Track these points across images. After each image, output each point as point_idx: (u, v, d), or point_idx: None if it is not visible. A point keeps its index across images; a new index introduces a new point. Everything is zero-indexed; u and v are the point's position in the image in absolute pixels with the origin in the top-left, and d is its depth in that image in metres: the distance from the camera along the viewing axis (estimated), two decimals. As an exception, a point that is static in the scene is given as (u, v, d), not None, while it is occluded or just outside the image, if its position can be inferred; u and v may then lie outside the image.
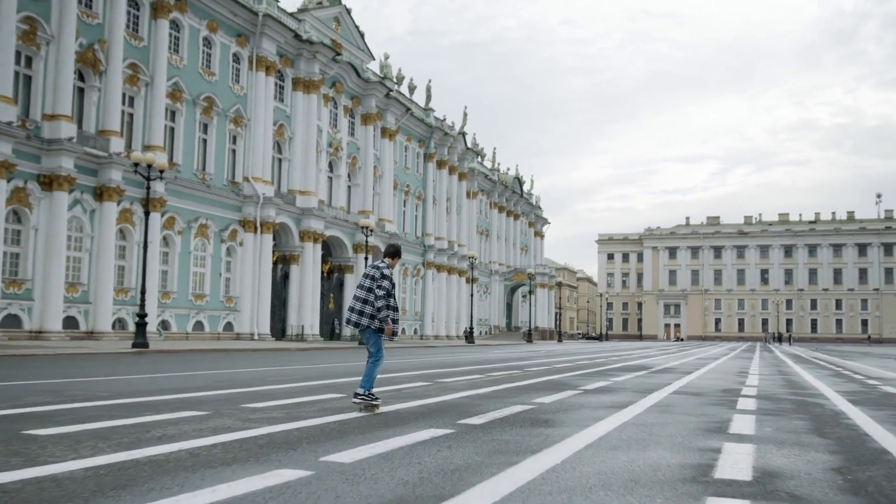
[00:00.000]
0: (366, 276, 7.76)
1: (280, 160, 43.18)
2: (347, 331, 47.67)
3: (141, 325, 23.74)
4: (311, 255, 43.73)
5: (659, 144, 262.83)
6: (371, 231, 39.71)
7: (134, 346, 23.25)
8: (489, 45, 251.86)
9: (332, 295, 47.99)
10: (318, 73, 44.51)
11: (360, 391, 7.61)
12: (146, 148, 31.77)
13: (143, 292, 24.31)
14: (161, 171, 25.84)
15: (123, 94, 32.43)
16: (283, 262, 42.94)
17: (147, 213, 25.81)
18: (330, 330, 47.02)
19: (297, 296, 42.91)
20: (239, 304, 38.60)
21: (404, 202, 59.41)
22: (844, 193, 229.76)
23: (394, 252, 8.04)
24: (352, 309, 7.73)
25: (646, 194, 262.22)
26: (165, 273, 34.72)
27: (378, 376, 8.14)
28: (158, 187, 32.14)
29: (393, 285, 7.64)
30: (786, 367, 21.17)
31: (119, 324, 32.00)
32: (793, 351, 43.65)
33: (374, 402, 7.62)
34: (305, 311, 42.96)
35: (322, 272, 45.92)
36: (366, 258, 39.78)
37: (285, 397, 8.77)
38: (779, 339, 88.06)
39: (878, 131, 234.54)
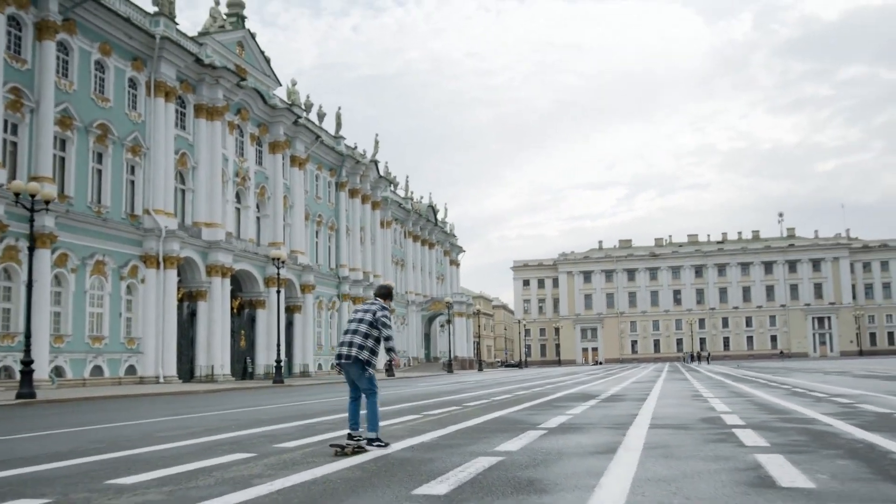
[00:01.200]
0: (364, 311, 7.62)
1: (183, 191, 40.74)
2: (260, 369, 45.31)
3: (26, 373, 21.24)
4: (220, 291, 41.29)
5: (567, 172, 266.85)
6: (283, 263, 37.68)
7: (18, 396, 20.73)
8: (396, 78, 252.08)
9: (243, 332, 45.52)
10: (221, 99, 42.41)
11: (372, 435, 7.42)
12: (32, 179, 29.00)
13: (27, 336, 21.81)
14: (47, 203, 23.56)
15: (5, 121, 29.81)
16: (189, 299, 40.36)
17: (32, 249, 23.21)
18: (242, 369, 44.50)
19: (206, 334, 40.35)
20: (142, 345, 35.88)
21: (317, 233, 57.39)
22: (744, 214, 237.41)
23: (386, 293, 7.89)
24: (350, 344, 7.40)
25: (556, 221, 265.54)
26: (58, 314, 31.91)
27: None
28: (47, 221, 29.52)
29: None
30: (733, 387, 20.16)
31: (5, 372, 29.06)
32: (718, 369, 43.25)
33: (362, 444, 7.26)
34: (215, 350, 40.42)
35: (232, 308, 43.50)
36: (278, 292, 37.75)
37: (174, 463, 6.70)
38: (697, 357, 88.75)
39: (773, 154, 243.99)
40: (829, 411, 10.86)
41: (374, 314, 7.51)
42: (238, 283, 45.86)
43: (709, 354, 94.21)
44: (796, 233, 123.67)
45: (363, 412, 7.61)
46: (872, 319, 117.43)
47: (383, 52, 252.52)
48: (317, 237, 57.38)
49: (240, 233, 45.56)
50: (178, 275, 38.77)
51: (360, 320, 7.54)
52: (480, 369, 79.61)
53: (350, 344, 7.41)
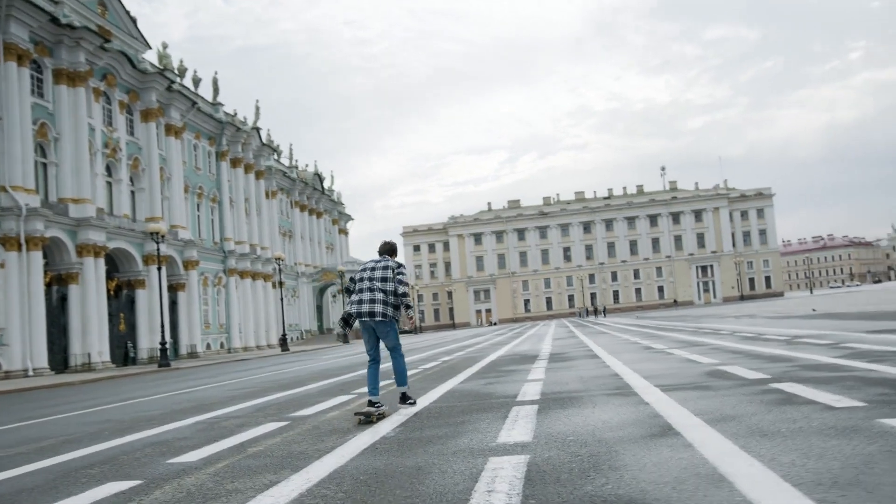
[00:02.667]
0: (381, 268, 7.47)
1: (45, 165, 37.06)
2: (144, 354, 42.29)
3: None
4: (93, 272, 37.98)
5: (449, 138, 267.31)
6: (162, 238, 34.86)
7: None
8: (271, 50, 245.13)
9: (122, 315, 42.29)
10: (84, 63, 38.72)
11: (403, 389, 7.64)
12: None
13: None
14: None
15: None
16: (58, 283, 36.95)
17: None
18: (123, 355, 41.38)
19: (80, 320, 37.04)
20: (6, 336, 32.45)
21: (198, 206, 54.12)
22: (621, 173, 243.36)
23: (392, 249, 7.85)
24: (375, 301, 7.25)
25: (440, 187, 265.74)
26: None
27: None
28: None
29: None
30: (672, 337, 18.75)
31: None
32: (622, 322, 42.81)
33: (379, 410, 7.15)
34: (91, 336, 37.19)
35: (108, 290, 40.24)
36: (159, 269, 34.90)
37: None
38: (594, 312, 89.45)
39: (646, 113, 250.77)
40: (835, 354, 9.52)
41: (394, 272, 7.46)
42: (114, 262, 42.55)
43: (605, 308, 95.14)
44: (678, 185, 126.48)
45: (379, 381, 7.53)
46: (751, 265, 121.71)
47: (257, 23, 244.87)
48: (198, 210, 54.14)
49: (113, 208, 42.14)
50: (45, 257, 35.35)
51: (383, 279, 7.40)
52: (376, 338, 77.81)
53: (376, 301, 7.26)
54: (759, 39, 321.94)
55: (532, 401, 7.57)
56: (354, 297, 7.41)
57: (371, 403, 7.17)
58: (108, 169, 42.27)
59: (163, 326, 34.13)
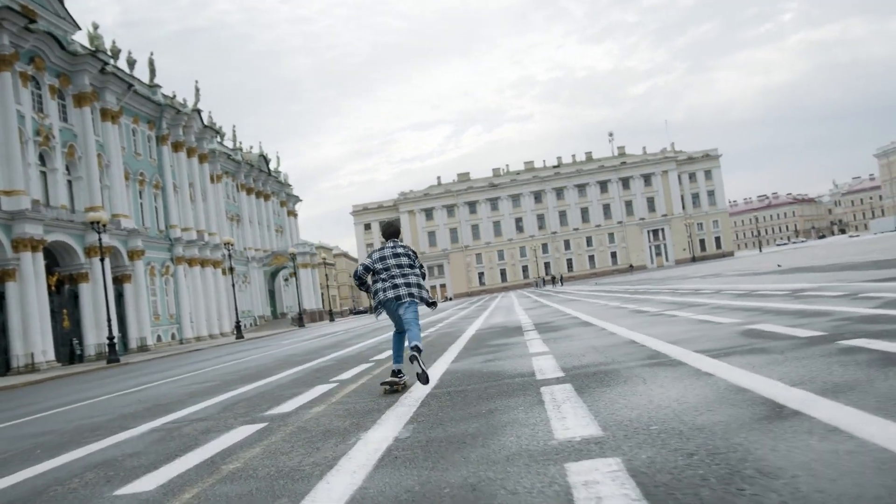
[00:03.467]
0: (403, 253, 7.48)
1: (-28, 156, 34.73)
2: (91, 350, 40.26)
3: None
4: (32, 268, 35.79)
5: (394, 115, 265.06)
6: (104, 228, 32.93)
7: None
8: (208, 32, 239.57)
9: (65, 311, 40.14)
10: (8, 45, 36.33)
11: (415, 343, 7.10)
12: None
13: None
14: None
15: None
16: (-5, 280, 34.80)
17: None
18: (69, 352, 39.30)
19: (20, 318, 34.88)
20: (-59, 339, 30.40)
21: (140, 193, 51.82)
22: (567, 142, 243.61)
23: (396, 231, 7.76)
24: (408, 284, 7.32)
25: (387, 164, 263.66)
26: None
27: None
28: None
29: None
30: (652, 299, 17.69)
31: None
32: (582, 289, 41.94)
33: (401, 380, 7.25)
34: (33, 335, 35.08)
35: (49, 286, 38.10)
36: (102, 260, 32.99)
37: None
38: (553, 280, 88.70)
39: (587, 82, 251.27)
40: (870, 305, 8.43)
41: (412, 256, 7.51)
42: (53, 256, 40.34)
43: (562, 277, 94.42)
44: (626, 151, 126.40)
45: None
46: (701, 227, 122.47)
47: (192, 5, 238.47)
48: (141, 198, 51.86)
49: (49, 199, 39.84)
50: (-22, 253, 33.19)
51: (410, 265, 7.44)
52: (332, 320, 76.34)
53: (411, 285, 7.34)
54: (695, 4, 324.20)
55: (558, 378, 6.35)
56: (387, 283, 7.31)
57: (394, 373, 7.30)
58: (42, 158, 39.92)
59: (109, 320, 32.26)
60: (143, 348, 45.90)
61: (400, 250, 7.47)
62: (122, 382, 16.80)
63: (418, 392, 6.78)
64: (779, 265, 32.30)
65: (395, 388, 7.16)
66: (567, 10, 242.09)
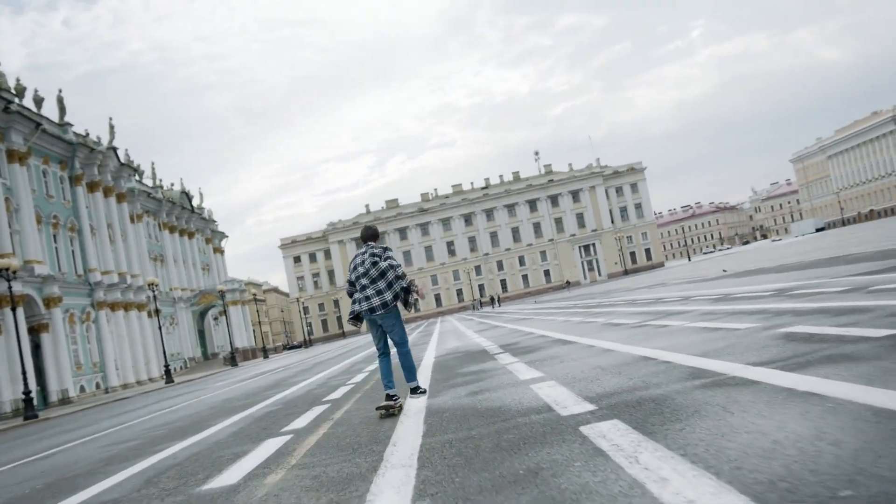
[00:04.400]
0: (362, 260, 7.37)
1: None
2: (7, 407, 37.28)
3: None
4: (-64, 322, 32.92)
5: (316, 147, 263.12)
6: (14, 274, 30.37)
7: None
8: (120, 73, 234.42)
9: (-23, 366, 37.08)
10: None
11: (413, 384, 7.54)
12: None
13: None
14: None
15: None
16: None
17: None
18: (-17, 411, 36.25)
19: (-74, 378, 31.98)
20: None
21: (55, 237, 48.82)
22: (490, 165, 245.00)
23: (373, 234, 7.70)
24: (367, 298, 7.20)
25: (312, 197, 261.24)
26: None
27: None
28: None
29: None
30: (625, 311, 16.38)
31: None
32: (530, 308, 40.71)
33: (397, 403, 7.15)
34: (-59, 395, 32.16)
35: (-43, 340, 35.15)
36: (13, 310, 30.42)
37: None
38: (491, 301, 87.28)
39: (507, 106, 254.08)
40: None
41: (380, 257, 7.33)
42: (-39, 309, 37.35)
43: (499, 297, 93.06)
44: (553, 168, 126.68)
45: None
46: (630, 239, 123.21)
47: (102, 46, 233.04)
48: (56, 241, 48.86)
49: (-47, 248, 36.97)
50: None
51: (361, 272, 7.33)
52: (266, 356, 73.66)
53: (371, 297, 7.19)
54: (607, 25, 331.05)
55: (592, 413, 4.89)
56: (357, 296, 7.36)
57: (389, 397, 7.15)
58: (-57, 204, 37.06)
59: (24, 373, 29.69)
60: (64, 401, 42.95)
61: (366, 256, 7.35)
62: (29, 446, 14.70)
63: (410, 441, 5.19)
64: (724, 270, 31.65)
65: (391, 412, 7.04)
66: (483, 36, 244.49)
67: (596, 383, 6.20)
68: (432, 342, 21.75)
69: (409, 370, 7.76)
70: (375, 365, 14.34)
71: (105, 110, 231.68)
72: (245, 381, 24.47)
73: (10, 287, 29.98)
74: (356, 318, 7.40)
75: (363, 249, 7.52)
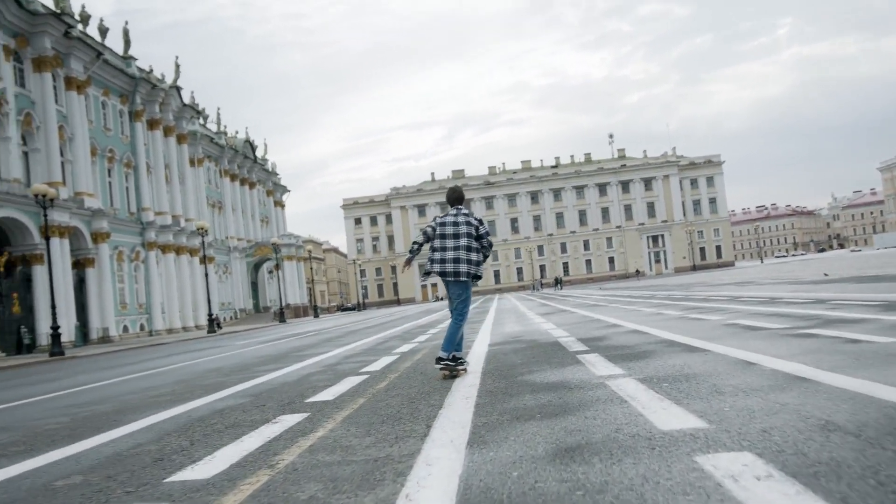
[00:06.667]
0: (464, 222, 7.05)
1: None
2: (44, 339, 36.10)
3: None
4: (-26, 245, 31.70)
5: (387, 114, 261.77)
6: (51, 202, 28.81)
7: None
8: (201, 25, 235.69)
9: (15, 296, 35.93)
10: (-46, -4, 32.27)
11: (444, 354, 6.98)
12: None
13: None
14: None
15: None
16: (-72, 258, 30.69)
17: None
18: (16, 341, 35.09)
19: (-44, 301, 30.80)
20: None
21: (109, 171, 47.65)
22: (558, 148, 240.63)
23: (458, 197, 7.35)
24: (457, 260, 6.95)
25: (379, 163, 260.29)
26: None
27: None
28: None
29: None
30: (728, 303, 13.67)
31: None
32: (598, 294, 37.99)
33: (459, 367, 7.04)
34: (-29, 320, 30.98)
35: (-4, 267, 34.01)
36: (47, 239, 28.88)
37: None
38: (556, 283, 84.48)
39: (581, 89, 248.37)
40: None
41: (477, 228, 7.06)
42: (4, 235, 36.23)
43: (561, 280, 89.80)
44: (626, 154, 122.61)
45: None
46: (701, 234, 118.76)
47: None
48: (110, 176, 47.71)
49: (0, 171, 35.74)
50: None
51: (468, 234, 7.00)
52: (317, 315, 72.26)
53: (460, 261, 6.97)
54: (690, 16, 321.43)
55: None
56: (437, 255, 7.03)
57: (455, 359, 7.00)
58: (-6, 125, 35.82)
59: (54, 307, 28.22)
60: (104, 339, 41.84)
61: (461, 219, 7.08)
62: (48, 385, 12.69)
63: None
64: (825, 274, 28.50)
65: (454, 374, 7.02)
66: (562, 17, 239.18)
67: (822, 450, 3.11)
68: (487, 322, 19.12)
69: (451, 341, 7.01)
70: (397, 355, 11.84)
71: (183, 61, 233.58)
72: (274, 342, 22.44)
73: (45, 215, 28.33)
74: (427, 274, 7.46)
75: (454, 211, 7.19)
